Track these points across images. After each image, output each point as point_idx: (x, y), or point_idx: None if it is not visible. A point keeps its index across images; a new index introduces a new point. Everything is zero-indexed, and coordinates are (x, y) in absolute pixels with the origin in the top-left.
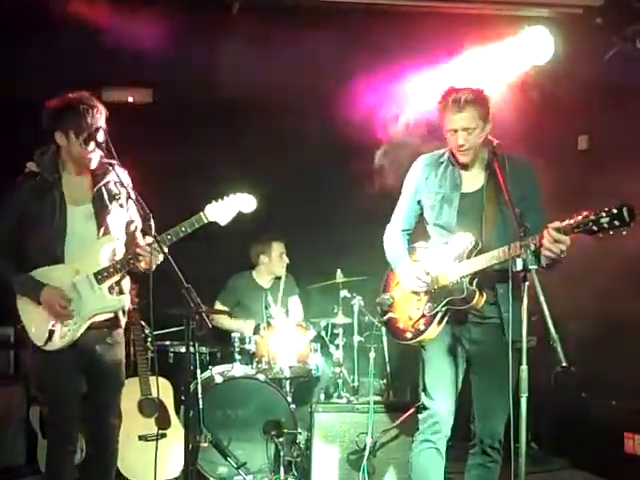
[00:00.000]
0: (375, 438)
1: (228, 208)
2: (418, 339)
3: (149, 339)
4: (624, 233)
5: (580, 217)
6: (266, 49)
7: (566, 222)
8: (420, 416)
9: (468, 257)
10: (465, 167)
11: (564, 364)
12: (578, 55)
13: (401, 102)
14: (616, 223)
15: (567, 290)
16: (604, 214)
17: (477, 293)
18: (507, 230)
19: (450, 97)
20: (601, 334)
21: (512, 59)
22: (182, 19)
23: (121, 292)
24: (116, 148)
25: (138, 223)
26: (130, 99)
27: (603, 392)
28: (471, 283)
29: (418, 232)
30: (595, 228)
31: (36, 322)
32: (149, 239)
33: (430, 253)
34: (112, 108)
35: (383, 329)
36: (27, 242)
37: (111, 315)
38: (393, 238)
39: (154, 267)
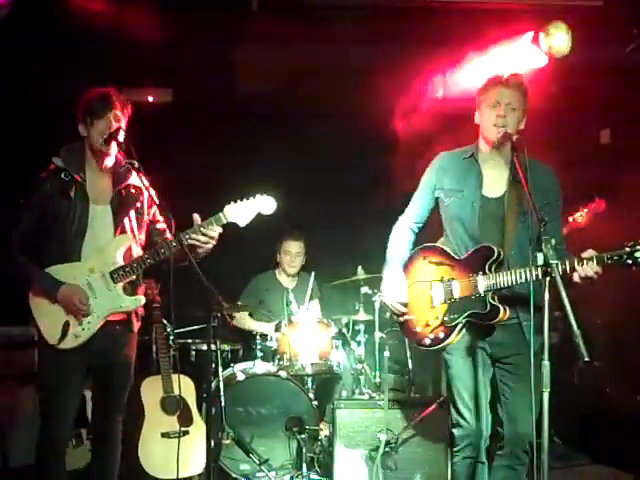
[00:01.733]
0: (397, 434)
1: (248, 209)
2: (437, 347)
3: (171, 337)
4: None
5: (616, 250)
6: (286, 46)
7: (599, 253)
8: (455, 432)
9: (490, 269)
10: (491, 160)
11: (586, 359)
12: (599, 48)
13: (423, 98)
14: None
15: (594, 285)
16: (639, 247)
17: (501, 310)
18: (526, 241)
19: (499, 76)
20: (626, 329)
21: (532, 53)
22: (201, 17)
23: (134, 293)
24: (135, 147)
25: (162, 223)
26: (150, 99)
27: (628, 387)
28: (493, 298)
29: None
30: (629, 262)
31: (50, 321)
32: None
33: (451, 259)
34: (132, 108)
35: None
36: (46, 238)
37: (123, 316)
38: (401, 234)
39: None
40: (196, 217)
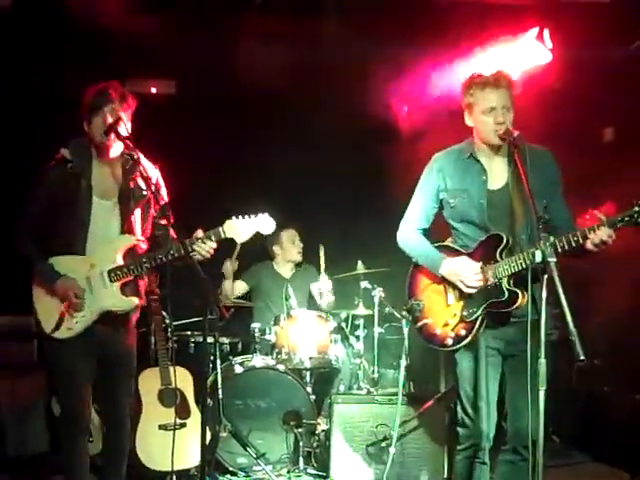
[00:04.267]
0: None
1: (247, 227)
2: (460, 345)
3: (170, 329)
4: None
5: (625, 210)
6: (289, 40)
7: (610, 213)
8: (460, 431)
9: (501, 256)
10: (490, 155)
11: (582, 357)
12: (604, 45)
13: (422, 91)
14: None
15: (594, 283)
16: None
17: (520, 294)
18: (534, 224)
19: (486, 77)
20: (625, 328)
21: (536, 49)
22: (206, 10)
23: (136, 293)
24: (137, 138)
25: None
26: (153, 90)
27: (626, 386)
28: (509, 284)
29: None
30: None
31: (47, 310)
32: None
33: (460, 254)
34: (135, 99)
35: (403, 321)
36: (50, 229)
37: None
38: (416, 238)
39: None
40: (199, 232)
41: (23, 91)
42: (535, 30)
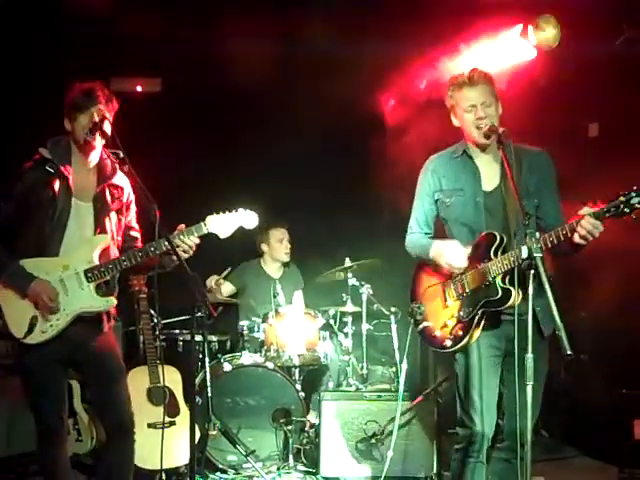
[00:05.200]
0: (383, 426)
1: (229, 222)
2: (459, 346)
3: (158, 327)
4: None
5: (611, 201)
6: (276, 36)
7: (597, 207)
8: (459, 430)
9: (495, 255)
10: (482, 155)
11: (568, 352)
12: (588, 41)
13: (411, 89)
14: None
15: (582, 278)
16: (634, 194)
17: (513, 292)
18: (532, 221)
19: (461, 76)
20: (612, 321)
21: (521, 46)
22: (190, 7)
23: (109, 293)
24: (123, 137)
25: (136, 232)
26: (139, 88)
27: (613, 380)
28: (504, 281)
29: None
30: (627, 210)
31: (17, 314)
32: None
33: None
34: (120, 97)
35: (392, 318)
36: (25, 229)
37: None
38: (415, 237)
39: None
40: (181, 227)
41: (5, 87)
42: (520, 27)
